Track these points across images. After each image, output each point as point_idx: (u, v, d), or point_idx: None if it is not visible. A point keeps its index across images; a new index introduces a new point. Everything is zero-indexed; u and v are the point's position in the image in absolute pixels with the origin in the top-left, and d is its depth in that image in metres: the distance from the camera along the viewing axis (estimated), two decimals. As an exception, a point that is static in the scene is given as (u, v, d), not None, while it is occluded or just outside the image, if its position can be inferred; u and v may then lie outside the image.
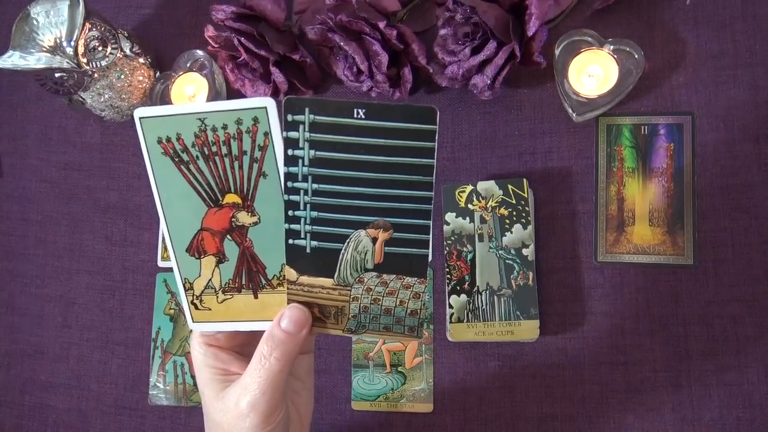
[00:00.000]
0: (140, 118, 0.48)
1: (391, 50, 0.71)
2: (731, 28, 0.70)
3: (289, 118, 0.46)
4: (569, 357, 0.69)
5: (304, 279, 0.49)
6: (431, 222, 0.47)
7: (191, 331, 0.52)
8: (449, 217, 0.70)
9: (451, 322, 0.68)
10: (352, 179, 0.47)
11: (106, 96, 0.79)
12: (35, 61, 0.72)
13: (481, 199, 0.70)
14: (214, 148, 0.48)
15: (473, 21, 0.69)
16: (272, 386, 0.48)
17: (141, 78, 0.81)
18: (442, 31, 0.71)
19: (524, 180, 0.69)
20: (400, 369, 0.72)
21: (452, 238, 0.70)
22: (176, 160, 0.48)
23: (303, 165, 0.46)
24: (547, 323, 0.69)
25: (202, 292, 0.51)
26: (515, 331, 0.67)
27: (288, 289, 0.49)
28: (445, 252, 0.70)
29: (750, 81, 0.69)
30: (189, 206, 0.49)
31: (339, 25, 0.71)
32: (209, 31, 0.74)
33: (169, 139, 0.48)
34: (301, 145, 0.46)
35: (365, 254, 0.48)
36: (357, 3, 0.70)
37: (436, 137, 0.46)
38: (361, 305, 0.49)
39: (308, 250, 0.48)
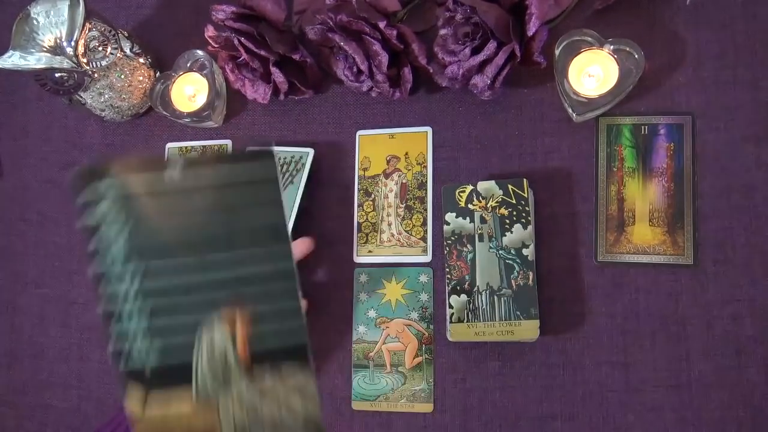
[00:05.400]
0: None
1: (391, 50, 0.71)
2: (731, 28, 0.70)
3: (84, 197, 0.36)
4: (569, 357, 0.69)
5: (154, 411, 0.38)
6: (299, 299, 0.38)
7: None
8: (449, 217, 0.70)
9: (451, 322, 0.68)
10: (187, 264, 0.37)
11: (106, 96, 0.79)
12: (35, 61, 0.72)
13: (481, 199, 0.70)
14: None
15: (473, 21, 0.69)
16: None
17: (141, 78, 0.81)
18: (442, 31, 0.71)
19: (524, 180, 0.69)
20: (400, 369, 0.72)
21: (452, 238, 0.70)
22: None
23: (117, 259, 0.36)
24: (547, 323, 0.69)
25: None
26: (515, 331, 0.66)
27: (138, 427, 0.38)
28: (445, 252, 0.70)
29: (750, 81, 0.69)
30: None
31: (339, 25, 0.71)
32: (209, 31, 0.74)
33: None
34: (111, 238, 0.36)
35: (224, 357, 0.37)
36: (357, 3, 0.70)
37: (278, 183, 0.37)
38: (236, 423, 0.38)
39: (148, 374, 0.38)
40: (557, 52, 0.69)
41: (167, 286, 0.37)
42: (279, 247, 0.37)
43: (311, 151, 0.77)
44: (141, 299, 0.37)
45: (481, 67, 0.69)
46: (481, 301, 0.68)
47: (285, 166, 0.76)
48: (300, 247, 0.72)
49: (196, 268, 0.37)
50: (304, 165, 0.77)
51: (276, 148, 0.78)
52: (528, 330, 0.66)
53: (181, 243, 0.36)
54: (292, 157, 0.78)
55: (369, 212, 0.76)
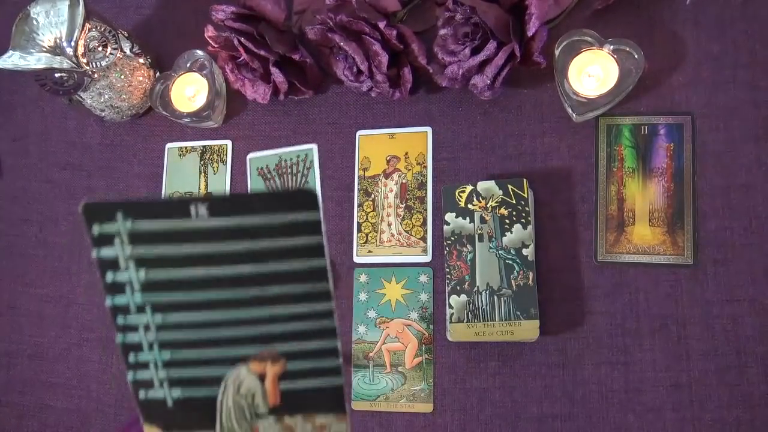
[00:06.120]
0: (249, 159, 0.80)
1: (391, 50, 0.71)
2: (731, 28, 0.70)
3: (96, 230, 0.34)
4: (569, 357, 0.69)
5: None
6: (339, 341, 0.36)
7: None
8: (449, 217, 0.70)
9: (451, 322, 0.68)
10: (211, 302, 0.35)
11: (106, 96, 0.79)
12: (35, 61, 0.72)
13: (481, 199, 0.70)
14: (284, 170, 0.78)
15: (473, 21, 0.69)
16: None
17: (141, 78, 0.81)
18: (442, 31, 0.71)
19: (524, 180, 0.69)
20: (400, 369, 0.72)
21: (452, 238, 0.70)
22: (264, 177, 0.79)
23: (133, 291, 0.35)
24: (547, 323, 0.69)
25: None
26: (515, 331, 0.66)
27: None
28: (445, 252, 0.70)
29: (750, 81, 0.69)
30: None
31: (339, 25, 0.71)
32: (209, 31, 0.74)
33: (264, 167, 0.79)
34: (123, 266, 0.34)
35: (252, 397, 0.37)
36: (357, 3, 0.70)
37: (322, 227, 0.33)
38: None
39: (170, 404, 0.37)
40: (557, 52, 0.69)
41: (188, 340, 0.36)
42: (320, 305, 0.35)
43: (315, 146, 0.78)
44: (158, 349, 0.36)
45: (481, 67, 0.69)
46: (481, 301, 0.68)
47: (294, 167, 0.78)
48: None
49: (222, 324, 0.35)
50: (312, 162, 0.78)
51: (280, 150, 0.79)
52: (528, 330, 0.66)
53: (203, 297, 0.35)
54: (298, 156, 0.78)
55: (369, 212, 0.76)
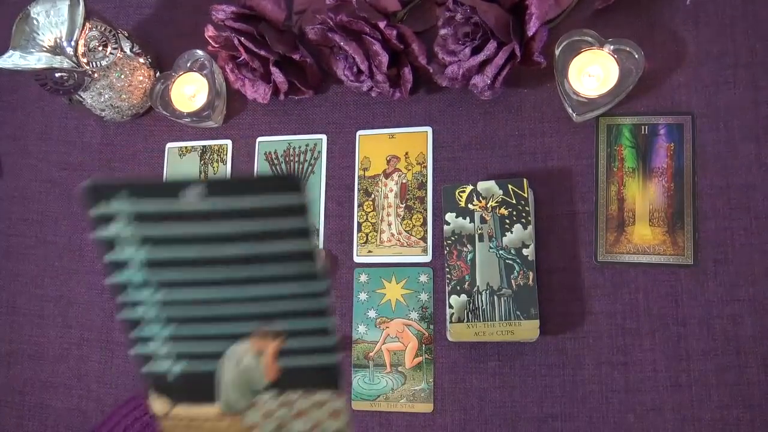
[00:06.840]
0: (259, 142, 0.80)
1: (392, 50, 0.71)
2: (731, 28, 0.70)
3: (97, 210, 0.35)
4: (569, 357, 0.69)
5: (180, 410, 0.39)
6: (330, 319, 0.37)
7: None
8: (449, 217, 0.70)
9: (451, 322, 0.68)
10: (210, 281, 0.36)
11: (106, 96, 0.79)
12: (35, 61, 0.72)
13: (481, 199, 0.70)
14: (292, 157, 0.79)
15: (473, 21, 0.69)
16: None
17: (141, 78, 0.81)
18: (442, 31, 0.71)
19: (524, 180, 0.69)
20: (400, 369, 0.72)
21: (452, 238, 0.70)
22: (271, 162, 0.80)
23: (136, 270, 0.36)
24: (547, 323, 0.69)
25: None
26: (515, 331, 0.66)
27: (163, 425, 0.40)
28: (445, 252, 0.70)
29: (750, 81, 0.69)
30: None
31: (339, 25, 0.71)
32: (209, 31, 0.74)
33: (272, 152, 0.80)
34: (125, 244, 0.36)
35: (251, 372, 0.38)
36: (357, 3, 0.70)
37: (307, 211, 0.34)
38: None
39: (171, 379, 0.38)
40: (557, 52, 0.69)
41: (189, 316, 0.37)
42: (310, 285, 0.36)
43: (324, 137, 0.78)
44: (161, 324, 0.38)
45: (481, 67, 0.69)
46: (481, 301, 0.68)
47: (302, 156, 0.78)
48: None
49: (221, 301, 0.37)
50: (320, 152, 0.78)
51: (290, 137, 0.80)
52: (528, 330, 0.66)
53: (202, 275, 0.36)
54: (307, 145, 0.78)
55: (369, 212, 0.76)
